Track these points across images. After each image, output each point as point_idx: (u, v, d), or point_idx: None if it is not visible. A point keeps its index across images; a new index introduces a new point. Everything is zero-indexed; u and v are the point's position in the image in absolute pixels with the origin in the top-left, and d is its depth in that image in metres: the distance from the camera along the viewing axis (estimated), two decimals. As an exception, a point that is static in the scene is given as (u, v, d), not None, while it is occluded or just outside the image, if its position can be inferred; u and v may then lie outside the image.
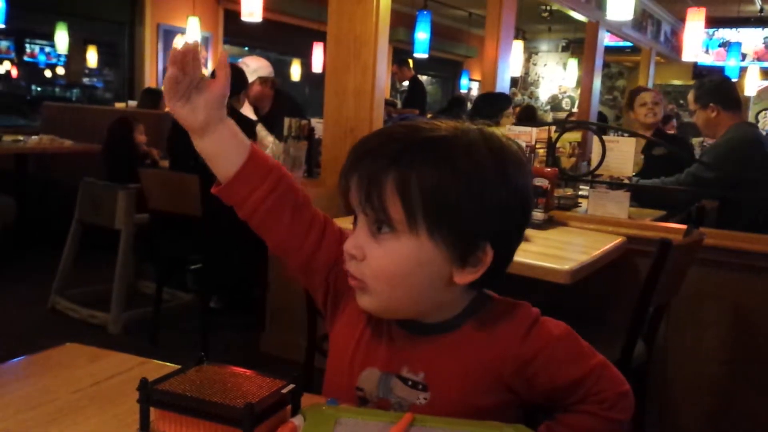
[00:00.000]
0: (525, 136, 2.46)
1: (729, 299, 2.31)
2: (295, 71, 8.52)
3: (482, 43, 4.47)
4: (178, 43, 0.81)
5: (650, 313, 1.86)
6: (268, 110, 4.08)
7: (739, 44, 8.45)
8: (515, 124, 3.40)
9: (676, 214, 2.91)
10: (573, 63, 9.11)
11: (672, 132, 5.40)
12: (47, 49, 8.09)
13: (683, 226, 2.27)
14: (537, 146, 2.50)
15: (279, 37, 7.70)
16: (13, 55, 7.98)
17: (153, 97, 5.28)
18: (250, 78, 3.73)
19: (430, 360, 0.83)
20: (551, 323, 0.84)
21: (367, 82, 2.75)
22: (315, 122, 3.30)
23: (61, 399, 0.84)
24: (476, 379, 0.82)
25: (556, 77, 11.21)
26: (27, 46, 8.15)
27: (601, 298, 2.37)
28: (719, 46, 9.44)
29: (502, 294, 0.88)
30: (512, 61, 4.66)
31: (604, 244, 2.12)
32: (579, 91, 7.17)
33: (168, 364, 0.90)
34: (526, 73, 11.43)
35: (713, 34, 9.39)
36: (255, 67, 3.94)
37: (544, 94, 11.52)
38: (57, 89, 8.46)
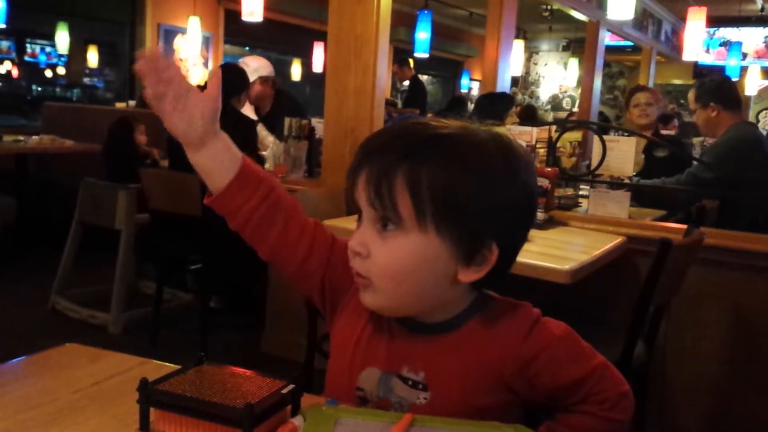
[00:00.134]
0: (525, 135, 2.46)
1: (729, 299, 2.31)
2: (296, 71, 8.52)
3: (483, 43, 4.46)
4: (141, 60, 0.80)
5: (650, 313, 1.86)
6: (268, 110, 4.08)
7: (739, 43, 8.45)
8: (519, 124, 3.40)
9: (676, 214, 2.91)
10: (574, 62, 9.11)
11: (673, 132, 5.40)
12: (48, 49, 8.10)
13: (683, 226, 2.27)
14: (537, 146, 2.50)
15: (279, 37, 7.70)
16: (13, 55, 7.99)
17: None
18: (251, 77, 3.73)
19: (430, 359, 0.83)
20: (552, 324, 0.84)
21: (367, 82, 2.75)
22: (315, 122, 3.30)
23: (61, 399, 0.84)
24: (477, 379, 0.82)
25: (557, 77, 11.21)
26: (28, 46, 8.16)
27: (601, 298, 2.37)
28: (720, 45, 9.43)
29: (502, 294, 0.88)
30: (513, 61, 4.66)
31: (605, 243, 2.12)
32: (579, 91, 7.16)
33: (168, 364, 0.90)
34: (527, 73, 11.43)
35: (714, 34, 9.38)
36: (255, 66, 3.94)
37: (544, 93, 11.52)
38: (57, 89, 8.47)
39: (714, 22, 7.91)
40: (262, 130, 3.74)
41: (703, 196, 2.96)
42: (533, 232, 2.15)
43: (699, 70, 9.23)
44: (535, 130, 2.48)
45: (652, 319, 1.94)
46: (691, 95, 3.13)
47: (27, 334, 3.14)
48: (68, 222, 3.54)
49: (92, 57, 7.77)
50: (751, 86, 8.31)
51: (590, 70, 5.88)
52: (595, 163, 2.52)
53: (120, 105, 5.76)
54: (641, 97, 3.60)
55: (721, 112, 3.00)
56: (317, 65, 7.47)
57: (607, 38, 6.10)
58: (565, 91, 11.23)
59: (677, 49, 7.94)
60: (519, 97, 10.20)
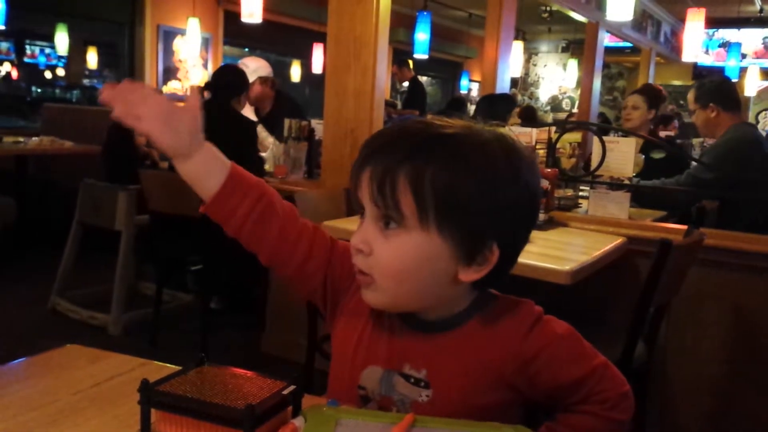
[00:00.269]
0: (525, 136, 2.46)
1: (729, 299, 2.31)
2: (295, 72, 8.52)
3: (482, 44, 4.47)
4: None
5: (651, 313, 1.86)
6: (268, 111, 4.09)
7: (739, 44, 8.45)
8: (519, 123, 3.40)
9: (676, 215, 2.91)
10: (573, 63, 9.11)
11: (673, 133, 5.40)
12: (47, 51, 8.11)
13: (683, 227, 2.27)
14: (537, 147, 2.50)
15: (279, 38, 7.70)
16: (13, 56, 8.00)
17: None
18: (250, 78, 3.73)
19: (431, 357, 0.84)
20: (554, 322, 0.84)
21: (367, 83, 2.75)
22: (315, 123, 3.30)
23: (61, 400, 0.84)
24: (478, 377, 0.82)
25: (556, 78, 11.21)
26: (27, 47, 8.16)
27: (601, 298, 2.37)
28: (719, 46, 9.44)
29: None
30: (512, 62, 4.66)
31: (605, 244, 2.12)
32: (579, 92, 7.17)
33: (168, 365, 0.90)
34: (526, 74, 11.44)
35: (713, 35, 9.39)
36: (254, 67, 3.95)
37: (544, 94, 11.53)
38: (57, 90, 8.48)
39: (713, 23, 7.92)
40: (262, 131, 3.75)
41: (702, 197, 2.96)
42: (533, 233, 2.14)
43: (698, 71, 9.24)
44: (534, 131, 2.48)
45: (653, 320, 1.94)
46: (690, 96, 3.13)
47: (27, 335, 3.14)
48: (68, 223, 3.53)
49: (92, 58, 7.77)
50: (751, 87, 8.31)
51: (589, 71, 5.88)
52: (594, 164, 2.52)
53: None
54: (629, 100, 3.62)
55: (721, 113, 3.00)
56: (317, 66, 7.47)
57: (606, 39, 6.10)
58: (565, 92, 11.23)
59: (676, 50, 7.94)
60: (518, 98, 10.21)
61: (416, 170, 0.77)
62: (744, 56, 8.88)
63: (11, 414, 0.80)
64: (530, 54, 11.25)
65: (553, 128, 2.71)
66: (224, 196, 0.88)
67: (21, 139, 4.55)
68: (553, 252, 1.98)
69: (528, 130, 2.48)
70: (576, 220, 2.47)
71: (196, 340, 3.00)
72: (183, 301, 3.60)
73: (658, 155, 3.23)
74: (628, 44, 7.88)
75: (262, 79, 4.00)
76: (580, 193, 2.91)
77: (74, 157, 4.52)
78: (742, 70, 8.30)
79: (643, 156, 3.07)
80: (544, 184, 2.30)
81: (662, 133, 4.74)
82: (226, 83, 3.35)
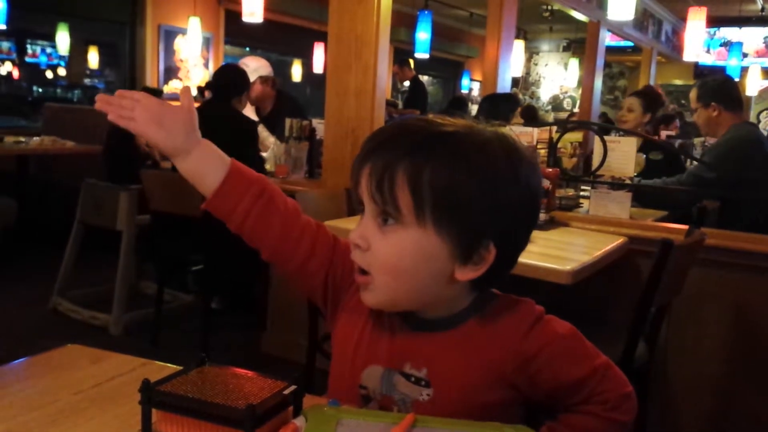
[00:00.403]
0: (526, 136, 2.46)
1: (730, 299, 2.31)
2: (296, 72, 8.52)
3: (483, 44, 4.46)
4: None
5: (651, 313, 1.86)
6: (269, 111, 4.09)
7: (740, 44, 8.44)
8: (522, 123, 3.40)
9: (677, 215, 2.91)
10: (574, 63, 9.10)
11: (674, 132, 5.39)
12: (48, 50, 8.11)
13: (685, 227, 2.27)
14: (538, 146, 2.50)
15: (280, 38, 7.70)
16: (14, 56, 8.00)
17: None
18: (251, 78, 3.73)
19: (432, 356, 0.83)
20: (556, 322, 0.84)
21: (368, 83, 2.75)
22: (316, 123, 3.30)
23: (62, 400, 0.84)
24: (479, 376, 0.82)
25: (558, 77, 11.20)
26: (28, 46, 8.16)
27: (602, 298, 2.37)
28: (720, 45, 9.43)
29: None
30: (513, 61, 4.66)
31: (606, 244, 2.12)
32: (580, 91, 7.16)
33: (169, 365, 0.90)
34: (528, 73, 11.43)
35: (714, 34, 9.38)
36: (255, 66, 3.95)
37: (545, 94, 11.52)
38: (58, 90, 8.47)
39: (714, 22, 7.91)
40: (263, 131, 3.75)
41: (703, 197, 2.96)
42: (534, 233, 2.13)
43: (700, 71, 9.23)
44: (535, 130, 2.48)
45: (654, 320, 1.94)
46: (692, 94, 3.13)
47: (28, 335, 3.14)
48: (69, 223, 3.54)
49: (93, 58, 7.77)
50: (752, 86, 8.30)
51: (591, 71, 5.88)
52: (596, 163, 2.52)
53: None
54: (625, 102, 3.64)
55: (723, 112, 3.00)
56: (318, 66, 7.47)
57: (607, 38, 6.10)
58: (566, 92, 11.23)
59: (678, 49, 7.94)
60: (520, 97, 10.20)
61: (415, 167, 0.77)
62: (745, 55, 8.88)
63: (12, 414, 0.80)
64: (531, 53, 11.24)
65: (555, 128, 2.71)
66: (225, 192, 0.89)
67: (22, 138, 4.55)
68: (555, 252, 1.97)
69: (529, 129, 2.48)
70: (577, 220, 2.47)
71: (196, 340, 3.01)
72: (184, 301, 3.60)
73: (655, 156, 3.23)
74: (630, 43, 7.88)
75: (263, 79, 4.00)
76: (582, 193, 2.91)
77: (75, 157, 4.52)
78: (744, 70, 8.30)
79: (644, 156, 3.07)
80: (546, 183, 2.29)
81: (663, 133, 4.73)
82: (227, 83, 3.35)
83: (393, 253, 0.80)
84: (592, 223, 2.43)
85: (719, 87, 3.06)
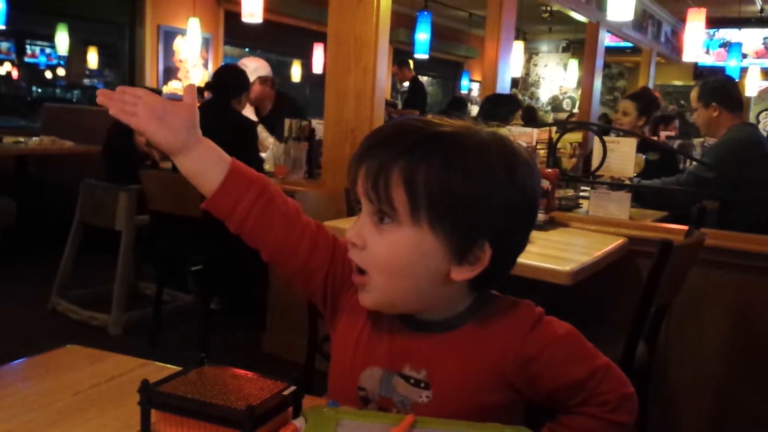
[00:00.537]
0: (525, 137, 2.46)
1: (730, 299, 2.31)
2: (296, 72, 8.52)
3: (483, 44, 4.45)
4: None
5: (651, 313, 1.86)
6: (268, 111, 4.09)
7: (739, 44, 8.45)
8: (523, 125, 3.39)
9: (677, 215, 2.90)
10: (573, 63, 9.11)
11: (674, 133, 5.39)
12: (48, 51, 8.10)
13: (684, 227, 2.27)
14: (538, 147, 2.50)
15: (279, 38, 7.70)
16: (13, 56, 7.99)
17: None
18: (250, 78, 3.74)
19: (431, 358, 0.83)
20: (555, 323, 0.84)
21: (367, 83, 2.75)
22: (315, 123, 3.30)
23: (61, 401, 0.84)
24: (478, 377, 0.82)
25: (557, 78, 11.21)
26: (27, 47, 8.15)
27: (602, 299, 2.36)
28: (720, 46, 9.44)
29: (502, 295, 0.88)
30: (513, 62, 4.66)
31: (605, 245, 2.12)
32: (579, 92, 7.17)
33: (169, 365, 0.90)
34: (527, 74, 11.44)
35: (714, 35, 9.39)
36: (254, 67, 3.95)
37: (544, 94, 11.53)
38: (57, 90, 8.46)
39: (714, 23, 7.91)
40: (262, 131, 3.75)
41: (703, 197, 2.96)
42: (534, 234, 2.13)
43: (699, 71, 9.24)
44: (535, 131, 2.48)
45: (653, 320, 1.94)
46: (693, 94, 3.13)
47: (27, 336, 3.14)
48: (68, 223, 3.53)
49: (92, 58, 7.76)
50: (751, 87, 8.31)
51: (590, 72, 5.88)
52: (595, 164, 2.52)
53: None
54: (621, 105, 3.65)
55: (723, 113, 3.00)
56: (317, 66, 7.48)
57: (606, 39, 6.10)
58: (565, 93, 11.23)
59: (677, 50, 7.94)
60: (519, 98, 10.20)
61: (410, 166, 0.77)
62: (745, 56, 8.89)
63: (12, 414, 0.80)
64: (531, 54, 11.25)
65: (554, 128, 2.71)
66: (225, 191, 0.89)
67: (21, 139, 4.55)
68: (554, 252, 1.97)
69: (529, 130, 2.48)
70: (577, 221, 2.47)
71: (196, 340, 3.00)
72: (183, 302, 3.59)
73: (653, 157, 3.23)
74: (629, 44, 7.88)
75: (262, 79, 4.00)
76: (581, 194, 2.91)
77: (75, 157, 4.52)
78: (743, 71, 8.30)
79: (644, 156, 3.07)
80: (545, 184, 2.29)
81: (662, 133, 4.73)
82: (226, 83, 3.35)
83: (389, 251, 0.80)
84: (592, 224, 2.43)
85: (720, 87, 3.06)
